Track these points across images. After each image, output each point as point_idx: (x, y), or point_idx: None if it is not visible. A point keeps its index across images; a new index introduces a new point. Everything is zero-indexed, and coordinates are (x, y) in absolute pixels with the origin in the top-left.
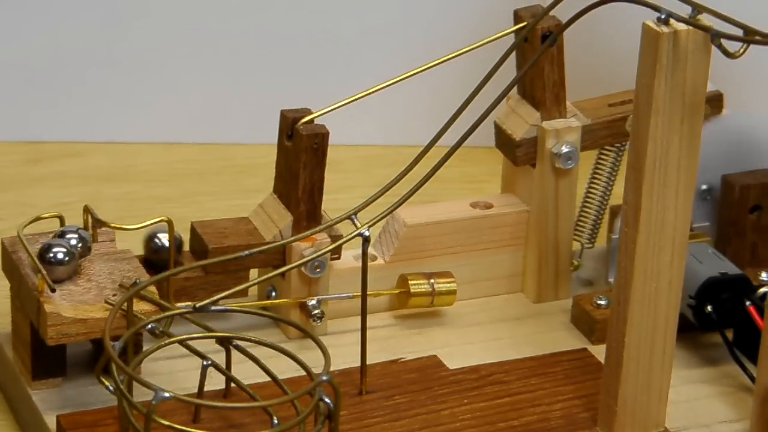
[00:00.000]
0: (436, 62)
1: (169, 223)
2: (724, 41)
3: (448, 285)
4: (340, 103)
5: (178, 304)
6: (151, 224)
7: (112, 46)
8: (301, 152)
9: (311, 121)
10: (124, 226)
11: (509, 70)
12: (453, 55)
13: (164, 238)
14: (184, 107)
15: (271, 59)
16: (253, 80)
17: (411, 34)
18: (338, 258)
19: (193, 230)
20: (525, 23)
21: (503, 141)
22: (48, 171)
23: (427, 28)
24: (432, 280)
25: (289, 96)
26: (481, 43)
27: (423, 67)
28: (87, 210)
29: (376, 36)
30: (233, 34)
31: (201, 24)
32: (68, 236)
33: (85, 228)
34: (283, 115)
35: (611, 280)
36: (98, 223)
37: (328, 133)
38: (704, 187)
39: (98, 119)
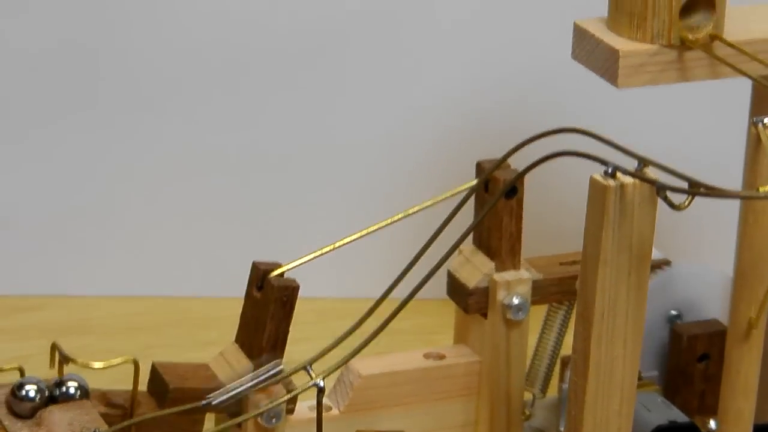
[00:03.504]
0: (400, 216)
1: (135, 363)
2: (669, 194)
3: None
4: (308, 257)
5: None
6: (117, 364)
7: (67, 203)
8: (270, 303)
9: (281, 274)
10: (91, 364)
11: (464, 222)
12: (417, 209)
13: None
14: (139, 261)
15: (225, 215)
16: (207, 235)
17: (368, 185)
18: (293, 410)
19: (153, 370)
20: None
21: (455, 289)
22: (6, 325)
23: (385, 179)
24: None
25: (244, 251)
26: (444, 196)
27: (388, 221)
28: (55, 347)
29: (332, 189)
30: (186, 193)
31: (154, 180)
32: (27, 387)
33: (52, 365)
34: (255, 266)
35: (562, 429)
36: (65, 359)
37: (298, 287)
38: (655, 372)
39: (55, 274)
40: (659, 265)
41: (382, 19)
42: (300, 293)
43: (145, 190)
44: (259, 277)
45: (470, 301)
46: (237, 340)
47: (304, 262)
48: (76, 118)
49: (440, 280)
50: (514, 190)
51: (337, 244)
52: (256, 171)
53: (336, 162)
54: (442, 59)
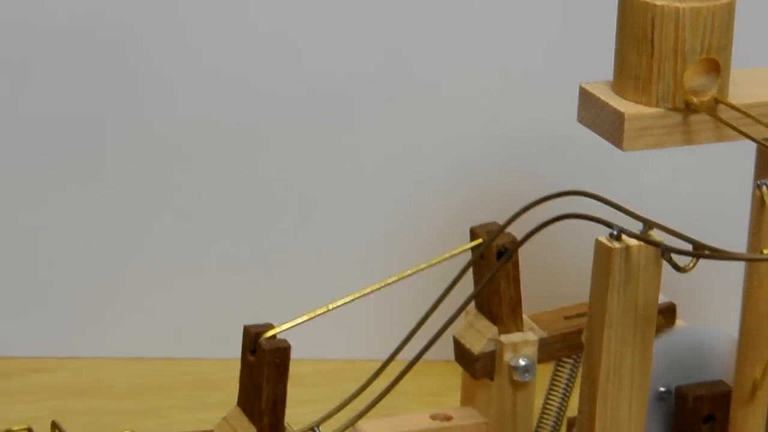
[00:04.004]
0: (395, 279)
1: None
2: (674, 256)
3: None
4: (302, 319)
5: None
6: None
7: (76, 266)
8: (264, 366)
9: (274, 335)
10: None
11: (466, 286)
12: (410, 272)
13: None
14: (148, 323)
15: (232, 278)
16: (214, 297)
17: (368, 249)
18: None
19: None
20: (480, 240)
21: (462, 355)
22: (17, 386)
23: (384, 244)
24: None
25: (252, 311)
26: (438, 260)
27: (382, 284)
28: (55, 425)
29: (334, 252)
30: (194, 256)
31: (162, 243)
32: None
33: None
34: (246, 330)
35: None
36: None
37: (289, 347)
38: (662, 389)
39: (65, 336)
40: (664, 310)
41: (386, 85)
42: (306, 355)
43: (153, 253)
44: (251, 340)
45: (477, 366)
46: (239, 404)
47: (297, 324)
48: (85, 182)
49: (444, 343)
50: (510, 254)
51: (330, 306)
52: (263, 234)
53: (342, 225)
54: (446, 123)
